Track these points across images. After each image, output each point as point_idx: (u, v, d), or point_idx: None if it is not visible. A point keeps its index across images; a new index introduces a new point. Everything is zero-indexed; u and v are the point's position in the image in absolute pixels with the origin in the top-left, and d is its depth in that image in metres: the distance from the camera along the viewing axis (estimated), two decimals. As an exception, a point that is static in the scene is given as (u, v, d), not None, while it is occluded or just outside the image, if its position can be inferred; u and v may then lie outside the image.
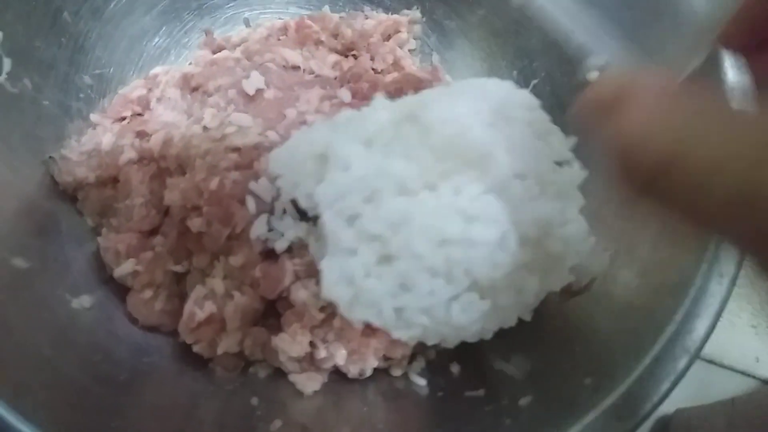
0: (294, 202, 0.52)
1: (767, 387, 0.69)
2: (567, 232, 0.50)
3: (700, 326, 0.43)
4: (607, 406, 0.42)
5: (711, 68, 0.50)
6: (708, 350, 0.68)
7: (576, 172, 0.50)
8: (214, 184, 0.53)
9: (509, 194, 0.45)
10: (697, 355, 0.42)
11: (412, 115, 0.48)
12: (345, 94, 0.62)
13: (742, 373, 0.70)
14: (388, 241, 0.44)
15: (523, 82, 0.68)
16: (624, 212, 0.55)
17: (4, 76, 0.54)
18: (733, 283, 0.45)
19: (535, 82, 0.66)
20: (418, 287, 0.45)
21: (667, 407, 0.68)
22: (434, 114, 0.46)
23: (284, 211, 0.53)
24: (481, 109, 0.47)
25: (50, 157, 0.58)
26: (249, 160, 0.54)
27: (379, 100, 0.51)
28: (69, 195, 0.59)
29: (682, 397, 0.68)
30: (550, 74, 0.65)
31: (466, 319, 0.46)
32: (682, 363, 0.42)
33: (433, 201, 0.44)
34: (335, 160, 0.47)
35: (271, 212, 0.54)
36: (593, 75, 0.60)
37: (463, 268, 0.44)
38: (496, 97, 0.49)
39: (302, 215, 0.54)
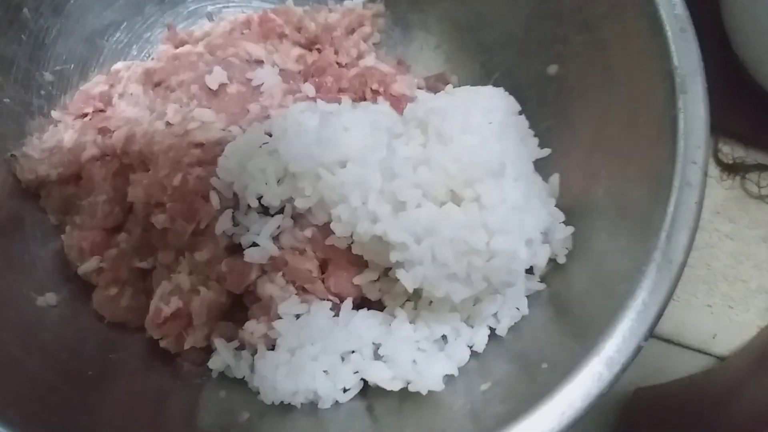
0: (258, 198, 0.53)
1: (723, 364, 0.72)
2: (558, 234, 0.53)
3: (648, 313, 0.45)
4: (562, 389, 0.43)
5: (662, 61, 0.52)
6: (665, 330, 0.72)
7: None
8: (177, 180, 0.53)
9: (515, 200, 0.49)
10: (644, 342, 0.44)
11: (424, 123, 0.51)
12: (309, 89, 0.62)
13: (699, 350, 0.72)
14: (410, 249, 0.48)
15: (485, 75, 0.69)
16: (579, 201, 0.57)
17: (-38, 74, 0.54)
18: (681, 268, 0.46)
19: (496, 76, 0.67)
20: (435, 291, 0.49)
21: (626, 387, 0.71)
22: (453, 124, 0.49)
23: (249, 206, 0.54)
24: (492, 119, 0.50)
25: (12, 155, 0.58)
26: (212, 155, 0.55)
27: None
28: (32, 193, 0.59)
29: (640, 376, 0.71)
30: (510, 68, 0.66)
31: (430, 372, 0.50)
32: (631, 348, 0.44)
33: (459, 215, 0.48)
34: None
35: (236, 207, 0.55)
36: (552, 69, 0.62)
37: (482, 275, 0.48)
38: (495, 105, 0.51)
39: (267, 210, 0.54)
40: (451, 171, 0.48)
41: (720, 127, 0.79)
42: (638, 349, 0.44)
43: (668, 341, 0.72)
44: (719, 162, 0.79)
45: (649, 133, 0.52)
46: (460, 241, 0.47)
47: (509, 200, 0.49)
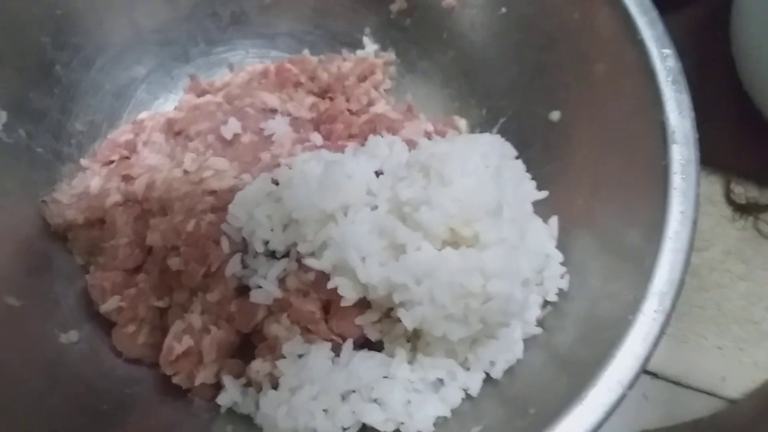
0: (265, 243, 0.56)
1: (732, 406, 0.71)
2: (552, 272, 0.55)
3: (634, 362, 0.46)
4: (549, 434, 0.44)
5: (654, 111, 0.54)
6: (674, 371, 0.71)
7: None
8: (190, 225, 0.57)
9: (512, 238, 0.51)
10: (629, 390, 0.45)
11: (426, 167, 0.54)
12: (317, 138, 0.65)
13: (708, 393, 0.71)
14: (410, 290, 0.50)
15: (492, 119, 0.71)
16: (577, 243, 0.59)
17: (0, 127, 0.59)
18: (668, 318, 0.47)
19: (502, 120, 0.70)
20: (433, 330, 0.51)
21: (632, 429, 0.70)
22: (453, 168, 0.52)
23: (257, 251, 0.57)
24: (489, 163, 0.54)
25: (43, 200, 0.62)
26: (224, 202, 0.58)
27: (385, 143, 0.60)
28: (60, 235, 0.63)
29: (647, 418, 0.70)
30: (516, 113, 0.69)
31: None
32: (615, 396, 0.45)
33: (456, 259, 0.50)
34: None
35: (245, 251, 0.58)
36: (555, 115, 0.64)
37: (478, 316, 0.50)
38: (491, 150, 0.55)
39: (274, 254, 0.57)
40: (450, 210, 0.51)
41: (732, 167, 0.80)
42: (622, 397, 0.45)
43: (676, 383, 0.72)
44: (731, 202, 0.79)
45: (642, 182, 0.54)
46: (457, 284, 0.50)
47: (506, 239, 0.51)
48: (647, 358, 0.46)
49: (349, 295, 0.54)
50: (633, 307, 0.48)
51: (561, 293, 0.57)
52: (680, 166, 0.52)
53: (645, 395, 0.70)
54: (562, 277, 0.57)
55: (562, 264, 0.58)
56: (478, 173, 0.53)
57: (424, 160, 0.55)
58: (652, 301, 0.48)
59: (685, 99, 0.54)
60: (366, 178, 0.57)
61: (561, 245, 0.59)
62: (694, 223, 0.50)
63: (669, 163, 0.52)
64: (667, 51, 0.56)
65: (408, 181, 0.55)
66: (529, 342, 0.55)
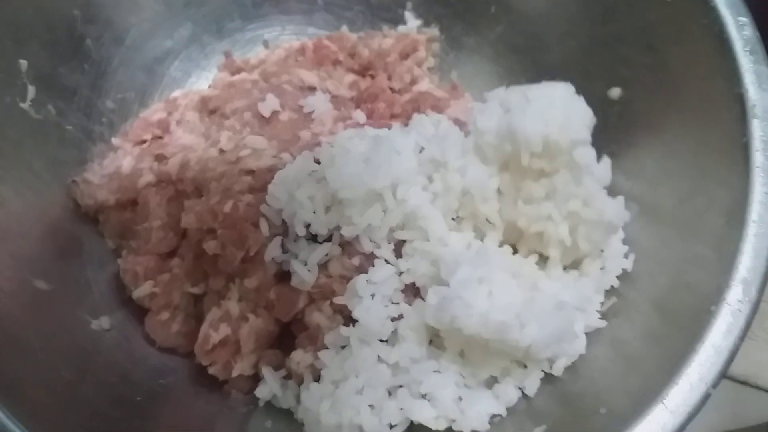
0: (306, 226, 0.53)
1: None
2: (614, 252, 0.53)
3: (719, 358, 0.41)
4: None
5: (731, 84, 0.49)
6: (742, 371, 0.67)
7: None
8: (228, 207, 0.53)
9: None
10: (713, 389, 0.41)
11: (506, 101, 0.52)
12: (360, 116, 0.62)
13: (778, 395, 0.67)
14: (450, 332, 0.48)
15: (543, 98, 0.67)
16: (644, 230, 0.54)
17: (28, 103, 0.56)
18: (755, 309, 0.43)
19: (556, 98, 0.65)
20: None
21: (700, 431, 0.66)
22: (541, 92, 0.51)
23: (298, 234, 0.53)
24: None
25: (73, 180, 0.59)
26: (263, 182, 0.55)
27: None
28: (91, 217, 0.60)
29: (715, 420, 0.66)
30: (572, 90, 0.64)
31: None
32: (698, 396, 0.40)
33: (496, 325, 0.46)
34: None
35: (286, 234, 0.54)
36: (615, 92, 0.59)
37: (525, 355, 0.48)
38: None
39: (315, 237, 0.54)
40: (546, 115, 0.49)
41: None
42: (706, 397, 0.41)
43: (744, 383, 0.67)
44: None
45: (719, 161, 0.49)
46: (498, 341, 0.47)
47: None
48: (732, 353, 0.42)
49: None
50: (715, 297, 0.43)
51: (627, 280, 0.52)
52: (762, 143, 0.47)
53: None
54: (626, 256, 0.53)
55: (624, 244, 0.54)
56: (568, 97, 0.51)
57: (503, 95, 0.52)
58: (737, 291, 0.43)
59: (765, 71, 0.49)
60: (416, 154, 0.53)
61: (624, 230, 0.55)
62: (781, 205, 0.46)
63: (749, 140, 0.47)
64: (744, 19, 0.51)
65: (487, 114, 0.52)
66: (592, 336, 0.51)
